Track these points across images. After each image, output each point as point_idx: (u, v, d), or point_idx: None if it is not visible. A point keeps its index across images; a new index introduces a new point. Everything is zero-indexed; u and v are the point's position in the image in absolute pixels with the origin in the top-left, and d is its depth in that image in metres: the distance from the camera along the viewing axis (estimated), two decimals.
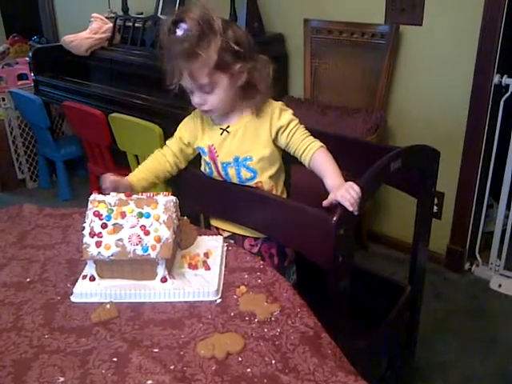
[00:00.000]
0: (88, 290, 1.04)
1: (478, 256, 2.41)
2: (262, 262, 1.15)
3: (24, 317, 0.98)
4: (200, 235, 1.23)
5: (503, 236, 2.32)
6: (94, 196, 1.08)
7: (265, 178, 1.32)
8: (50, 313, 0.99)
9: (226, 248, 1.21)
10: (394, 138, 2.44)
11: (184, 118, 1.39)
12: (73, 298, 1.03)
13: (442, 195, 2.36)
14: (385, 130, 2.38)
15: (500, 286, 2.31)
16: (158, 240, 1.03)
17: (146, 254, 1.02)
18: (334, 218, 1.05)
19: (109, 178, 1.25)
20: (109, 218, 1.05)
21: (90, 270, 1.06)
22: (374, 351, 1.39)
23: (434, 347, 1.95)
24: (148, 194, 1.09)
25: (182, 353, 0.88)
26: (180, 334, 0.93)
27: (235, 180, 1.33)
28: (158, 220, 1.05)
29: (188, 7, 1.17)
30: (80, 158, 3.25)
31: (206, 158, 1.36)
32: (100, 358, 0.87)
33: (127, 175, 1.33)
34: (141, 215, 1.05)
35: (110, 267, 1.05)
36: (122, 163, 2.76)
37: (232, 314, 0.98)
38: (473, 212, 2.33)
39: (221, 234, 1.36)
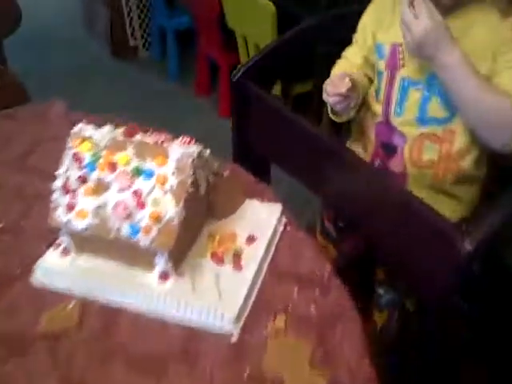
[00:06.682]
0: (56, 267, 0.70)
1: None
2: (328, 266, 0.72)
3: None
4: (250, 198, 0.80)
5: None
6: (80, 127, 0.70)
7: (462, 127, 0.81)
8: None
9: (282, 227, 0.78)
10: None
11: None
12: (34, 276, 0.70)
13: None
14: None
15: None
16: (156, 219, 0.63)
17: (133, 237, 0.64)
18: (467, 246, 0.55)
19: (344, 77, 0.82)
20: (92, 167, 0.66)
21: (65, 239, 0.71)
22: None
23: None
24: (158, 138, 0.67)
25: None
26: None
27: (411, 116, 0.83)
28: (163, 184, 0.64)
29: None
30: (192, 32, 2.87)
31: (380, 63, 0.88)
32: None
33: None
34: (138, 172, 0.65)
35: (89, 240, 0.70)
36: (231, 47, 2.38)
37: (245, 376, 0.58)
38: None
39: None
